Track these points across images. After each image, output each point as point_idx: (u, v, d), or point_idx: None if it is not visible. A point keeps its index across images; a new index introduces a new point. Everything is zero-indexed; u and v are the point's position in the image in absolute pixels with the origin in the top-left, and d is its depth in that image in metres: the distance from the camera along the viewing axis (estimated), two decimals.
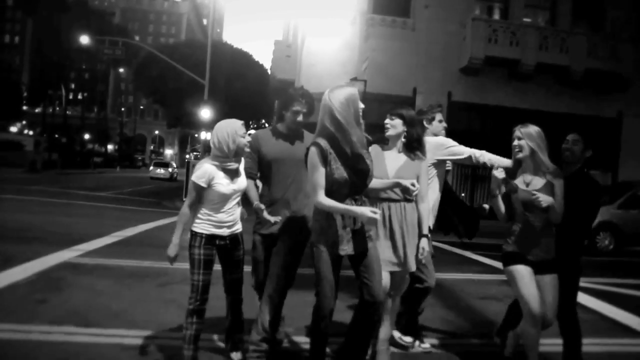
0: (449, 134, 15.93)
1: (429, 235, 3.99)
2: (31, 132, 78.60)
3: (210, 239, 3.70)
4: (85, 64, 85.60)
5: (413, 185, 3.43)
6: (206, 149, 27.85)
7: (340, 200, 3.21)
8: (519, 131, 3.81)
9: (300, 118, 3.94)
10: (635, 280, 8.45)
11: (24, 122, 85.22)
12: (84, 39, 26.20)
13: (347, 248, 3.27)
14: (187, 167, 20.73)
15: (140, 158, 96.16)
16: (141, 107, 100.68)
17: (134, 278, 6.65)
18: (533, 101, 20.23)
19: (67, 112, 66.66)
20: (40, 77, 71.78)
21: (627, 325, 5.67)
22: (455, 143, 4.40)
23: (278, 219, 3.79)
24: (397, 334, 4.53)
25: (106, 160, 73.14)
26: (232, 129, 3.67)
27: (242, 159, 3.85)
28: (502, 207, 3.88)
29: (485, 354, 4.66)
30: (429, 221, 4.04)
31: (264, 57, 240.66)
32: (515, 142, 3.81)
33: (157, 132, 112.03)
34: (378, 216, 3.08)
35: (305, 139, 4.03)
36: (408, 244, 3.82)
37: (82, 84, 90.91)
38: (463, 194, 21.47)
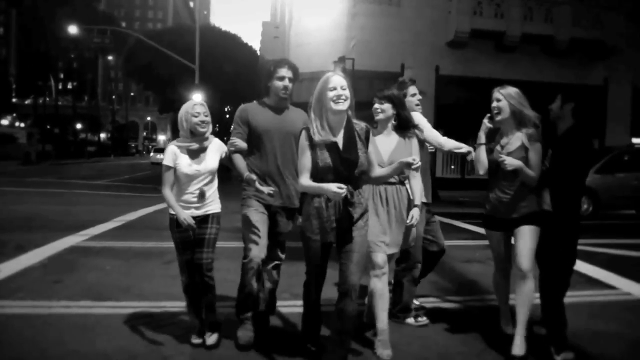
0: (439, 107, 16.68)
1: (420, 205, 3.98)
2: (22, 125, 78.35)
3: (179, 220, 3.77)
4: (72, 53, 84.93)
5: (414, 160, 3.40)
6: None
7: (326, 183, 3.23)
8: (498, 93, 3.85)
9: (287, 83, 3.93)
10: (608, 240, 8.94)
11: (14, 115, 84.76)
12: (72, 29, 26.26)
13: (329, 237, 3.31)
14: None
15: (133, 145, 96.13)
16: (132, 93, 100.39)
17: (140, 257, 7.05)
18: (520, 72, 20.48)
19: (58, 102, 66.42)
20: (28, 68, 71.33)
21: (597, 278, 6.15)
22: (428, 126, 4.44)
23: (272, 189, 3.81)
24: (411, 321, 4.50)
25: (100, 148, 73.17)
26: (184, 110, 3.79)
27: (213, 139, 3.91)
28: (483, 158, 3.94)
29: (464, 310, 5.10)
30: (420, 194, 4.03)
31: (253, 38, 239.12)
32: (494, 104, 3.84)
33: (149, 118, 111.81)
34: (343, 191, 3.09)
35: (292, 112, 4.08)
36: (399, 227, 3.90)
37: (71, 73, 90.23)
38: (453, 167, 21.89)
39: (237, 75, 27.38)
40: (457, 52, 20.83)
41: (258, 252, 3.84)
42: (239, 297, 4.03)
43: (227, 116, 40.92)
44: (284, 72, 3.91)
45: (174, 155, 3.80)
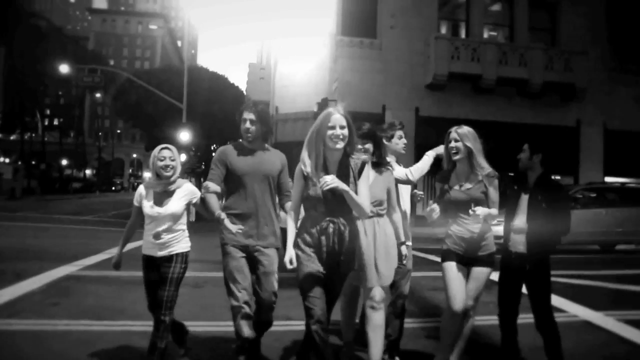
0: (418, 148, 17.69)
1: (408, 243, 4.20)
2: (7, 160, 78.24)
3: (147, 260, 3.99)
4: (60, 90, 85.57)
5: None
6: (186, 170, 28.58)
7: (319, 218, 3.37)
8: (455, 133, 3.97)
9: (248, 125, 3.97)
10: (564, 272, 9.56)
11: None
12: (64, 68, 26.93)
13: (319, 266, 3.40)
14: None
15: (119, 182, 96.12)
16: (118, 130, 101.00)
17: (132, 284, 7.46)
18: (496, 113, 21.45)
19: (45, 138, 66.71)
20: (14, 104, 71.73)
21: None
22: (396, 170, 4.42)
23: (240, 227, 3.81)
24: None
25: (85, 185, 73.04)
26: (153, 153, 3.95)
27: (184, 184, 4.02)
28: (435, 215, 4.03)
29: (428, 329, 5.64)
30: (403, 229, 4.16)
31: (240, 80, 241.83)
32: (452, 144, 3.96)
33: (135, 155, 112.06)
34: (288, 267, 3.34)
35: (270, 153, 4.14)
36: (387, 257, 3.89)
37: (58, 110, 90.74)
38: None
39: (224, 114, 28.09)
40: (436, 94, 21.70)
41: (242, 297, 3.87)
42: (236, 339, 3.98)
43: (214, 154, 41.43)
44: (246, 114, 3.96)
45: (140, 195, 4.01)
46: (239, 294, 3.86)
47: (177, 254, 3.97)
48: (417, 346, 4.97)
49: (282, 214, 4.12)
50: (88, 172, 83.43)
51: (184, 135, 23.95)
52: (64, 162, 76.73)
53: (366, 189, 3.48)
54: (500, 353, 4.34)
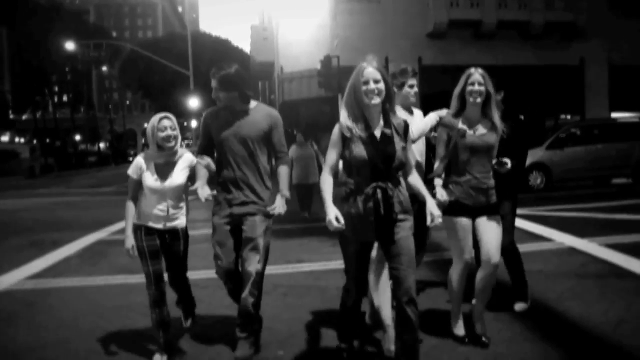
0: (424, 98, 17.98)
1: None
2: (22, 140, 79.42)
3: (149, 230, 3.70)
4: (66, 66, 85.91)
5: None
6: (198, 136, 29.16)
7: (366, 183, 3.10)
8: (479, 75, 3.67)
9: (215, 94, 3.80)
10: (554, 206, 10.18)
11: (12, 130, 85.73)
12: (69, 45, 27.35)
13: (368, 236, 3.16)
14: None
15: (132, 153, 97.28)
16: (127, 102, 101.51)
17: None
18: (499, 57, 21.53)
19: (57, 115, 67.48)
20: (22, 84, 72.27)
21: (539, 234, 7.38)
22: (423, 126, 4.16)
23: (207, 193, 3.63)
24: None
25: (100, 158, 74.12)
26: (151, 123, 3.67)
27: (184, 153, 3.81)
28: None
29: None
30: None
31: (243, 40, 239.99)
32: (476, 87, 3.64)
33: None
34: (333, 226, 2.97)
35: (254, 112, 3.84)
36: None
37: (66, 86, 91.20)
38: None
39: None
40: (438, 43, 21.82)
41: (221, 264, 3.78)
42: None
43: None
44: (212, 82, 3.77)
45: (139, 168, 3.72)
46: (219, 262, 3.78)
47: (181, 229, 3.80)
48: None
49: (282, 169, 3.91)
50: (102, 145, 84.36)
51: (193, 102, 24.46)
52: (77, 137, 77.80)
53: (413, 156, 3.34)
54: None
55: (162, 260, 3.77)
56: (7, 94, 79.36)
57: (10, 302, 5.34)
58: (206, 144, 3.90)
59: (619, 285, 5.13)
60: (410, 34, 21.58)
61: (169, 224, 3.73)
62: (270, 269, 4.38)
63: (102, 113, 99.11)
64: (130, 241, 3.70)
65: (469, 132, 3.73)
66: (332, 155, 3.21)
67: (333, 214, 3.00)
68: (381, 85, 3.08)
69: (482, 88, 3.65)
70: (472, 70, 3.72)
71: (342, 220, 2.99)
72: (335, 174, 3.23)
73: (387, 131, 3.15)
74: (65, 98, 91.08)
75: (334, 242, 7.76)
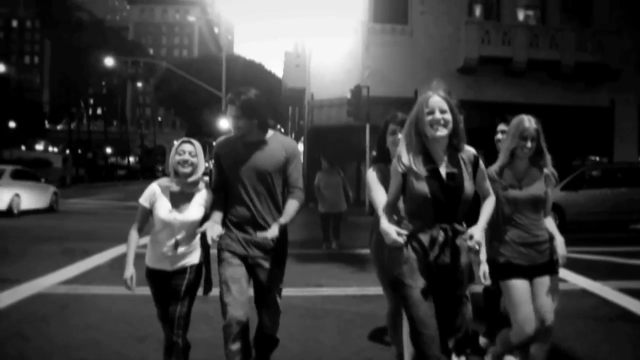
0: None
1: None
2: (55, 149, 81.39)
3: (155, 275, 3.38)
4: (102, 80, 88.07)
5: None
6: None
7: (428, 224, 2.75)
8: (533, 129, 3.36)
9: (235, 123, 3.38)
10: (570, 248, 10.16)
11: (46, 140, 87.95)
12: (109, 61, 28.33)
13: (420, 281, 2.75)
14: (210, 175, 21.90)
15: (160, 168, 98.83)
16: (159, 118, 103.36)
17: None
18: (528, 95, 21.67)
19: (88, 127, 69.19)
20: (60, 95, 74.56)
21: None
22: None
23: (218, 232, 3.25)
24: None
25: (129, 172, 75.57)
26: (174, 146, 3.41)
27: (204, 188, 3.47)
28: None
29: None
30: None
31: (275, 68, 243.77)
32: (529, 144, 3.34)
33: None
34: (401, 239, 2.70)
35: (271, 142, 3.48)
36: None
37: (101, 99, 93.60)
38: None
39: None
40: (468, 78, 22.04)
41: (234, 310, 3.23)
42: None
43: None
44: (230, 110, 3.40)
45: (152, 194, 3.37)
46: (231, 310, 3.24)
47: (191, 266, 3.38)
48: None
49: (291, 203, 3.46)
50: (131, 159, 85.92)
51: (224, 123, 25.00)
52: (108, 150, 79.43)
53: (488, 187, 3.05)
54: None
55: (171, 304, 3.38)
56: (45, 104, 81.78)
57: (44, 304, 5.70)
58: (223, 180, 3.50)
59: (628, 328, 5.24)
60: (441, 68, 21.82)
61: (177, 265, 3.33)
62: (289, 291, 4.25)
63: (133, 127, 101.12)
64: (129, 271, 3.35)
65: (514, 184, 3.40)
66: (391, 193, 2.88)
67: (394, 231, 2.72)
68: (448, 116, 2.78)
69: (535, 144, 3.36)
70: (527, 123, 3.36)
71: (404, 233, 2.72)
72: (393, 211, 2.90)
73: (454, 170, 2.79)
74: (99, 111, 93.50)
75: (353, 269, 8.03)
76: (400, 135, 3.04)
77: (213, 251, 3.42)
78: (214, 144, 3.97)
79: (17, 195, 15.92)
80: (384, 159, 3.42)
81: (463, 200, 2.77)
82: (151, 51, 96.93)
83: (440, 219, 2.74)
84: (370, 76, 20.42)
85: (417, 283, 2.74)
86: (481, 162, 2.96)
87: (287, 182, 3.50)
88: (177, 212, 3.30)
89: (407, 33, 22.21)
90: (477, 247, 2.76)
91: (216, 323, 3.52)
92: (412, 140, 2.82)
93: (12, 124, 53.41)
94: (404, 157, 2.80)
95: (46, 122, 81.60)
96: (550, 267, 3.44)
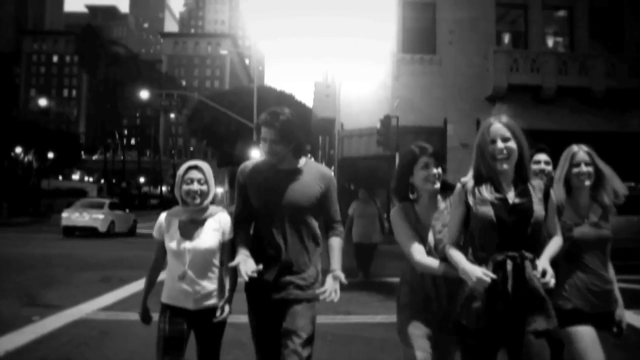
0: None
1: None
2: (90, 179, 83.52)
3: (176, 311, 2.98)
4: (136, 111, 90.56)
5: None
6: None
7: (490, 252, 2.50)
8: (585, 153, 3.04)
9: (270, 147, 2.97)
10: None
11: (82, 170, 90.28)
12: (144, 94, 29.28)
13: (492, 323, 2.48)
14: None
15: None
16: (191, 148, 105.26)
17: None
18: (558, 122, 21.58)
19: (125, 157, 70.88)
20: (95, 126, 76.84)
21: None
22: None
23: (252, 269, 2.80)
24: None
25: (161, 201, 76.88)
26: (179, 172, 3.11)
27: (217, 212, 3.13)
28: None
29: None
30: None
31: (305, 94, 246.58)
32: (583, 169, 3.00)
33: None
34: (486, 281, 2.40)
35: (306, 172, 3.07)
36: None
37: (135, 130, 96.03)
38: None
39: None
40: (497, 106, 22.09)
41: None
42: None
43: None
44: (264, 132, 2.98)
45: (161, 225, 3.14)
46: None
47: (213, 308, 2.97)
48: None
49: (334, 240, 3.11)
50: (164, 188, 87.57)
51: (255, 153, 25.44)
52: (142, 179, 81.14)
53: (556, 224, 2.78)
54: None
55: (184, 352, 3.00)
56: (81, 135, 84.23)
57: (87, 329, 5.97)
58: (246, 212, 3.10)
59: None
60: (470, 96, 21.98)
61: (203, 304, 2.96)
62: (318, 319, 4.26)
63: (166, 157, 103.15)
64: (142, 311, 3.27)
65: (577, 222, 2.98)
66: (454, 224, 2.67)
67: (479, 269, 2.44)
68: (512, 145, 2.57)
69: (590, 169, 3.01)
70: (575, 148, 3.09)
71: (490, 275, 2.42)
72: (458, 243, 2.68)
73: (523, 198, 2.56)
74: (133, 141, 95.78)
75: (382, 297, 8.12)
76: (435, 170, 2.84)
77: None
78: (240, 166, 3.30)
79: (112, 222, 21.44)
80: (407, 196, 2.99)
81: (532, 224, 2.51)
82: (184, 83, 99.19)
83: (506, 247, 2.48)
84: (400, 106, 20.64)
85: (476, 326, 2.50)
86: (552, 194, 2.71)
87: (327, 217, 3.13)
88: (186, 241, 3.00)
89: (435, 63, 22.42)
90: (552, 284, 2.45)
91: (249, 349, 3.29)
92: (478, 169, 2.65)
93: (50, 155, 55.17)
94: (470, 183, 2.64)
95: (82, 152, 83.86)
96: (610, 318, 3.00)
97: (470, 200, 2.59)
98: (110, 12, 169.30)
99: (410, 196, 2.98)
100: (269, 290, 2.94)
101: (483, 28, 22.52)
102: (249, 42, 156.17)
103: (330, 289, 2.86)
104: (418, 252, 2.78)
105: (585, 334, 2.87)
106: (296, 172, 3.06)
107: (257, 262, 2.89)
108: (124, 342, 5.49)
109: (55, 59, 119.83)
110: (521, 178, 2.65)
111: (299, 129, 3.09)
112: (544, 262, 2.53)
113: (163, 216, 3.16)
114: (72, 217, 20.76)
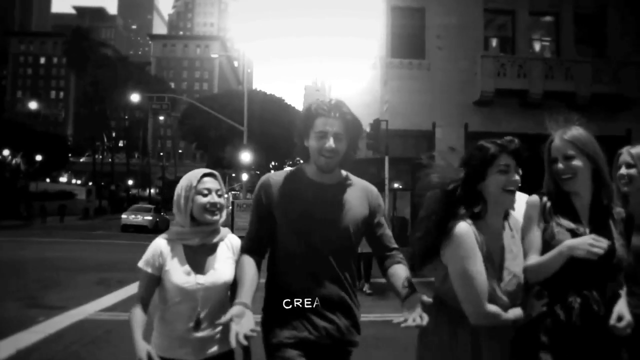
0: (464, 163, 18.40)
1: None
2: (78, 182, 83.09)
3: None
4: (124, 113, 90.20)
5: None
6: (248, 189, 30.36)
7: (567, 290, 2.11)
8: (628, 154, 2.76)
9: (332, 144, 2.25)
10: None
11: (69, 172, 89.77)
12: (135, 97, 29.40)
13: None
14: (232, 207, 21.78)
15: None
16: (180, 150, 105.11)
17: None
18: (544, 126, 21.96)
19: (113, 160, 70.69)
20: (83, 129, 76.52)
21: None
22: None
23: (248, 327, 2.02)
24: None
25: (150, 203, 76.63)
26: (187, 182, 2.36)
27: (226, 233, 2.44)
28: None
29: None
30: None
31: (294, 96, 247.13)
32: (623, 171, 2.71)
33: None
34: (602, 246, 2.02)
35: (354, 190, 2.43)
36: None
37: (123, 132, 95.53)
38: None
39: (281, 134, 29.79)
40: (484, 110, 22.45)
41: None
42: None
43: (272, 171, 43.46)
44: (325, 123, 2.28)
45: (158, 254, 2.35)
46: None
47: (225, 353, 2.33)
48: None
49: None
50: (152, 191, 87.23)
51: (245, 156, 25.64)
52: (130, 182, 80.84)
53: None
54: None
55: None
56: (68, 137, 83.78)
57: (92, 328, 6.21)
58: (262, 234, 2.35)
59: None
60: (458, 101, 22.32)
61: (209, 352, 2.28)
62: None
63: (155, 160, 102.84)
64: (142, 346, 2.26)
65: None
66: (534, 237, 2.18)
67: (587, 237, 2.07)
68: (577, 164, 2.23)
69: (633, 171, 2.68)
70: (623, 149, 2.82)
71: (599, 238, 2.04)
72: None
73: (602, 230, 2.14)
74: (121, 143, 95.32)
75: (374, 297, 8.36)
76: (517, 176, 2.17)
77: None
78: (262, 179, 2.44)
79: (156, 222, 29.15)
80: (476, 211, 2.15)
81: (614, 262, 2.11)
82: (172, 85, 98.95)
83: (580, 285, 2.08)
84: (389, 110, 20.95)
85: None
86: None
87: (380, 244, 2.43)
88: (199, 275, 2.27)
89: (424, 67, 22.74)
90: (628, 331, 2.05)
91: None
92: (549, 190, 2.29)
93: (38, 157, 54.85)
94: (548, 202, 2.23)
95: (70, 155, 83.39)
96: None
97: (552, 223, 2.17)
98: (98, 13, 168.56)
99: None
100: (311, 349, 2.23)
101: (471, 33, 22.89)
102: (237, 44, 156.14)
103: (415, 314, 2.01)
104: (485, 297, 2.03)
105: None
106: (343, 183, 2.41)
107: (282, 299, 2.25)
108: (130, 341, 5.68)
109: (42, 60, 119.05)
110: (600, 204, 2.22)
111: (360, 131, 2.47)
112: (624, 307, 2.10)
113: (162, 242, 2.36)
114: (130, 217, 28.53)
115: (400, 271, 2.30)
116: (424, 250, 2.17)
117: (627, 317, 2.05)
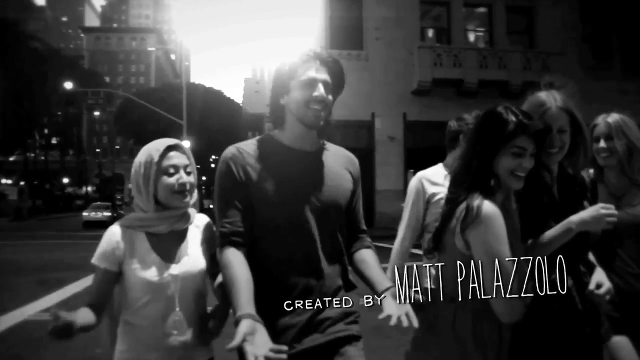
0: (408, 151, 19.07)
1: None
2: (9, 181, 79.61)
3: None
4: (57, 109, 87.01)
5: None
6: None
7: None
8: (604, 124, 2.61)
9: (321, 92, 1.91)
10: None
11: None
12: (68, 85, 28.47)
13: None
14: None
15: (119, 197, 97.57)
16: (117, 147, 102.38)
17: None
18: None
19: (46, 157, 68.11)
20: (12, 126, 73.21)
21: None
22: None
23: (267, 348, 1.56)
24: None
25: (87, 201, 74.31)
26: (147, 156, 1.96)
27: (194, 214, 2.07)
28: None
29: None
30: None
31: (232, 86, 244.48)
32: (601, 144, 2.58)
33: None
34: (612, 213, 1.91)
35: (335, 157, 2.09)
36: None
37: (57, 129, 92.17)
38: None
39: (220, 127, 29.51)
40: (422, 99, 23.01)
41: None
42: None
43: (213, 165, 43.11)
44: (311, 69, 1.96)
45: (116, 246, 1.96)
46: None
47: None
48: None
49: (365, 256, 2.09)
50: (89, 188, 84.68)
51: (186, 143, 25.24)
52: (65, 180, 78.19)
53: None
54: None
55: None
56: None
57: (35, 329, 6.03)
58: (245, 216, 1.90)
59: None
60: (396, 90, 22.77)
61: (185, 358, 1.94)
62: None
63: (91, 157, 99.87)
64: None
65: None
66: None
67: (597, 206, 1.96)
68: (565, 138, 2.10)
69: (611, 143, 2.56)
70: (598, 119, 2.65)
71: (608, 205, 1.92)
72: None
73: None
74: (54, 140, 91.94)
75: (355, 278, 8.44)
76: (529, 163, 1.93)
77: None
78: (230, 151, 1.95)
79: (114, 217, 26.30)
80: (490, 189, 1.93)
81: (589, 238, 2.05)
82: (108, 79, 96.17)
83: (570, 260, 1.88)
84: None
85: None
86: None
87: (353, 222, 2.13)
88: (172, 264, 1.93)
89: (363, 58, 23.04)
90: (607, 297, 2.01)
91: None
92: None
93: None
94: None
95: None
96: None
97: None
98: (24, 3, 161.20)
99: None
100: (304, 336, 1.88)
101: (408, 24, 23.34)
102: (174, 36, 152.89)
103: (398, 312, 1.74)
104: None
105: (624, 346, 2.39)
106: (323, 150, 2.07)
107: (269, 282, 1.87)
108: (75, 339, 5.57)
109: None
110: (565, 171, 2.15)
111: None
112: (602, 275, 2.07)
113: (118, 230, 1.96)
114: (91, 214, 31.12)
115: (369, 258, 2.06)
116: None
117: (607, 284, 2.00)
